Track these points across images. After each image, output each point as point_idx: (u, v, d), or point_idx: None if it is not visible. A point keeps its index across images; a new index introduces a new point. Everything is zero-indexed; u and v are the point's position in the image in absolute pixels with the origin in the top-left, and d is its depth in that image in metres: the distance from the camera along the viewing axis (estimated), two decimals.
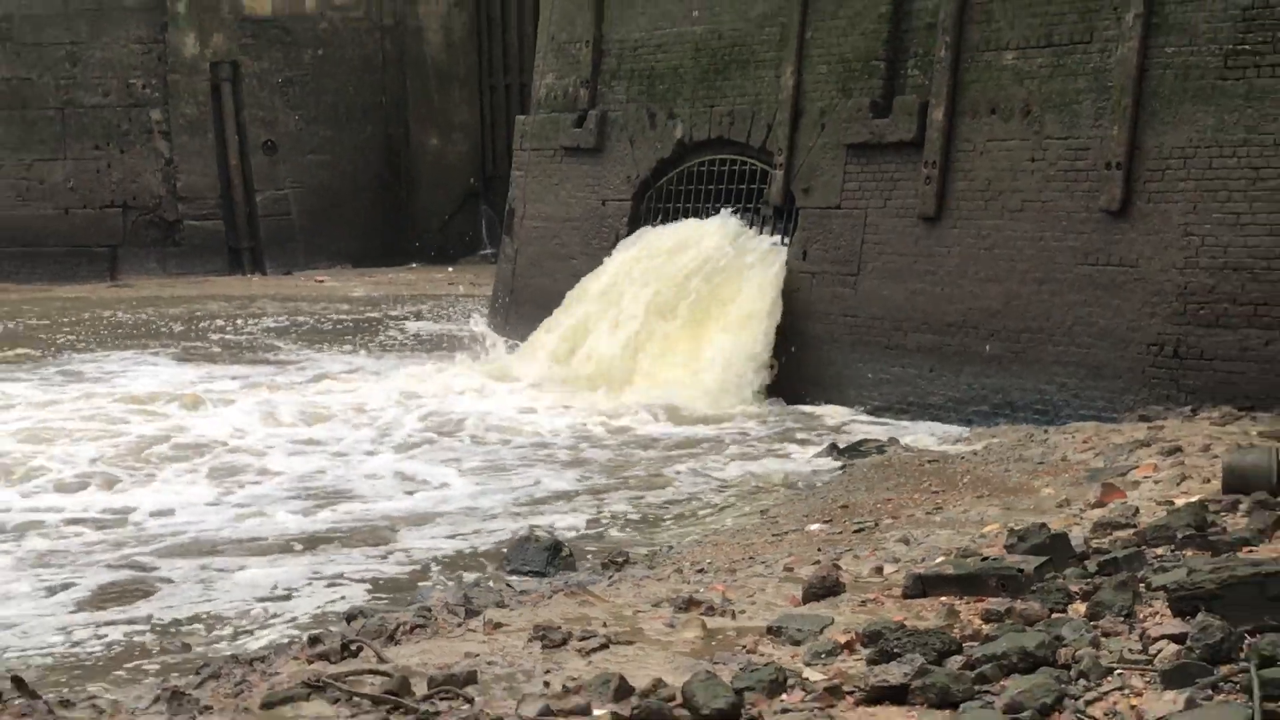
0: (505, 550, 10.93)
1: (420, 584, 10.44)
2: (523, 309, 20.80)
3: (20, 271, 33.31)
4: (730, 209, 18.42)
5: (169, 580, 10.99)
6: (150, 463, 15.19)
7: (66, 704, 7.23)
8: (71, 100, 34.08)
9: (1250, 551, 7.81)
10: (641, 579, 9.49)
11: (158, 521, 12.82)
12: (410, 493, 13.67)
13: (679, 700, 6.34)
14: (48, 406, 18.24)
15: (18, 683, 7.41)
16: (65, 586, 10.85)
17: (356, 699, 6.79)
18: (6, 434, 16.48)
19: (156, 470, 14.84)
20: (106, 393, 19.11)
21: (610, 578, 9.74)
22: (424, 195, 36.46)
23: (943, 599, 7.75)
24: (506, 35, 35.78)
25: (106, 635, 9.66)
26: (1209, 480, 10.05)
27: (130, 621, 9.99)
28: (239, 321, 26.96)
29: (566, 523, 12.13)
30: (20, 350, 23.63)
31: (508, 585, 9.91)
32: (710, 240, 18.13)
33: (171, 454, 15.60)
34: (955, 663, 6.50)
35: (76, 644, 9.49)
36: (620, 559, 10.45)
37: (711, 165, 18.90)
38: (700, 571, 9.50)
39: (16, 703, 7.13)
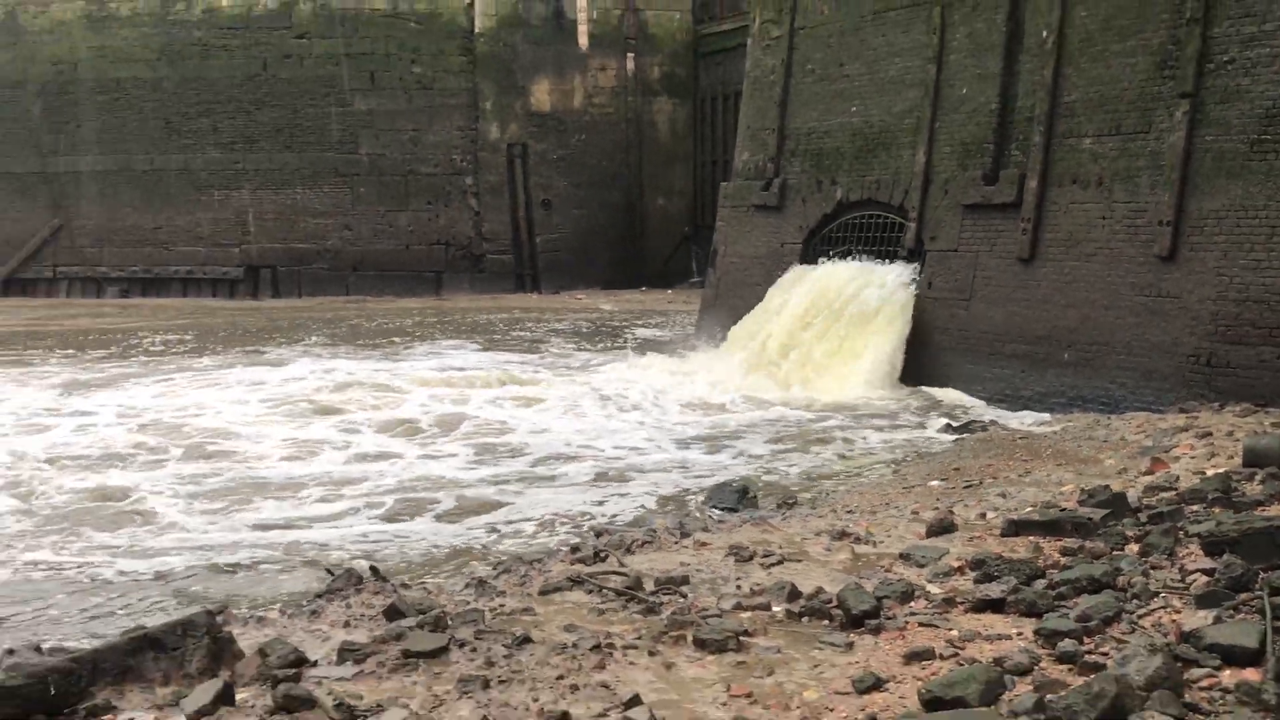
0: (708, 492, 10.92)
1: (649, 513, 10.47)
2: (721, 320, 20.79)
3: (376, 288, 34.23)
4: (875, 250, 18.25)
5: (504, 502, 11.18)
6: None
7: (405, 586, 7.38)
8: (413, 170, 34.88)
9: (1264, 510, 7.65)
10: (806, 516, 9.45)
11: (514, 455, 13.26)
12: (645, 451, 13.68)
13: (835, 603, 6.34)
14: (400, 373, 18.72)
15: (374, 571, 7.59)
16: (431, 504, 11.14)
17: (605, 590, 6.84)
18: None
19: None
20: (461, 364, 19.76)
21: (784, 514, 9.68)
22: (652, 239, 36.66)
23: (1030, 538, 7.65)
24: (714, 126, 35.80)
25: (446, 540, 9.84)
26: (1233, 457, 9.78)
27: (468, 529, 10.20)
28: (528, 324, 27.40)
29: (751, 474, 12.06)
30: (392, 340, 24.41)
31: (710, 517, 9.91)
32: (861, 273, 18.03)
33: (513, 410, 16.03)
34: (1040, 584, 6.45)
35: (432, 545, 9.68)
36: (791, 501, 10.39)
37: (862, 218, 18.74)
38: (849, 512, 9.41)
39: (373, 584, 7.30)
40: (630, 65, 36.12)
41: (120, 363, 21.47)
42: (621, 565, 7.51)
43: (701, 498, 10.87)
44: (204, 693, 5.04)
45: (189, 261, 34.99)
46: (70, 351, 23.09)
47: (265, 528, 10.37)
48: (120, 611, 8.14)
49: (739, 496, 10.45)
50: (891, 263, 17.82)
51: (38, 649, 6.70)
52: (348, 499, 11.34)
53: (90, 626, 7.75)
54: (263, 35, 34.60)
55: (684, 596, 6.69)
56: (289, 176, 34.72)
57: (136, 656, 5.57)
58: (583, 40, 35.64)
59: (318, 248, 34.78)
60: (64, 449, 13.65)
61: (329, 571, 8.03)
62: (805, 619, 6.21)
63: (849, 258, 18.58)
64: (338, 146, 34.67)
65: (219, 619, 6.16)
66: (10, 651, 6.60)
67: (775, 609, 6.39)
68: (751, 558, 7.59)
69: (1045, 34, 15.47)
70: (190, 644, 5.68)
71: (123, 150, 35.07)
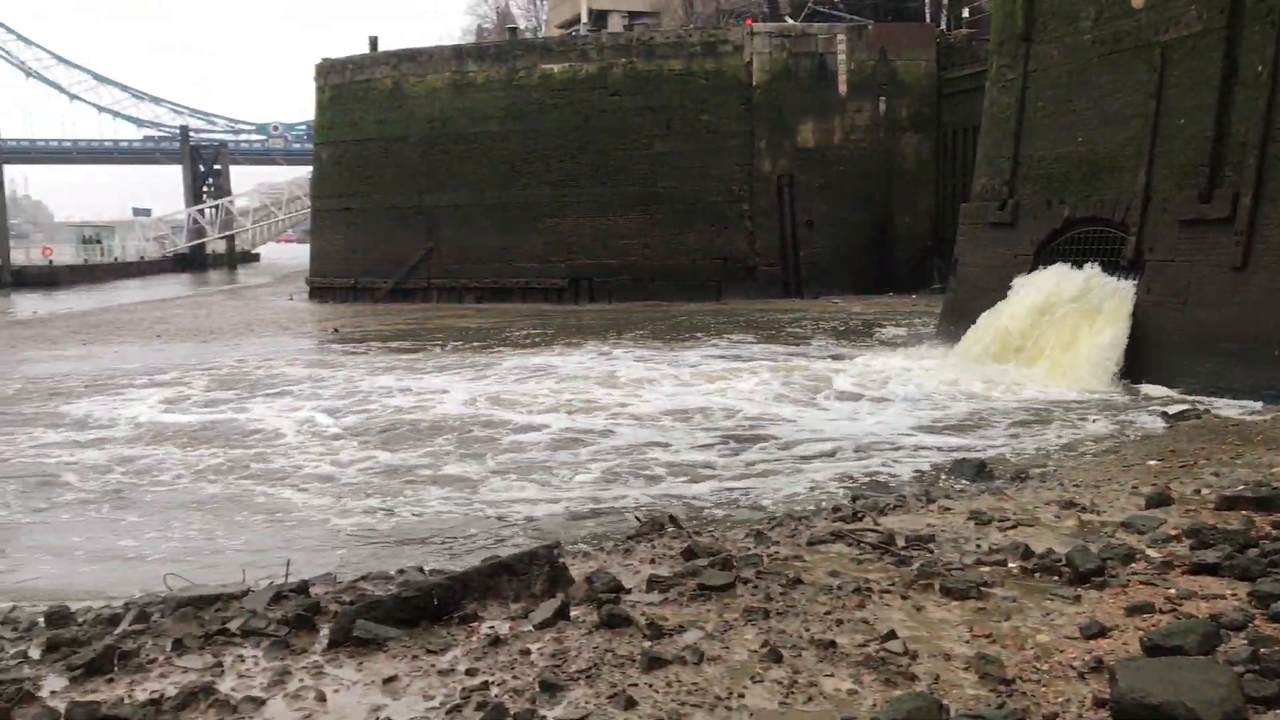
0: (950, 465, 10.61)
1: (899, 482, 10.28)
2: (960, 321, 20.07)
3: (668, 295, 34.74)
4: (1098, 261, 17.23)
5: (789, 471, 11.21)
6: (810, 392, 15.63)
7: (697, 533, 7.49)
8: (699, 199, 35.25)
9: None
10: (1037, 488, 9.01)
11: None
12: (893, 430, 13.39)
13: (1063, 562, 6.04)
14: (699, 363, 18.96)
15: (673, 520, 7.74)
16: (710, 466, 11.27)
17: (862, 544, 6.74)
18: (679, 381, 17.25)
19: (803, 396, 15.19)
20: (741, 354, 19.86)
21: (1017, 486, 9.26)
22: (898, 252, 35.74)
23: (1243, 512, 7.06)
24: (954, 155, 34.60)
25: (726, 498, 9.97)
26: None
27: (744, 490, 10.28)
28: (795, 324, 27.26)
29: (987, 451, 11.64)
30: (695, 335, 24.76)
31: (952, 486, 9.61)
32: (1085, 280, 17.06)
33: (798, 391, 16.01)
34: (1253, 552, 5.95)
35: (715, 502, 9.82)
36: (1023, 475, 9.94)
37: (1086, 233, 17.72)
38: (1075, 485, 8.93)
39: (672, 530, 7.44)
40: (882, 106, 35.37)
41: (512, 348, 22.61)
42: (876, 524, 7.38)
43: (945, 470, 10.57)
44: (547, 609, 5.28)
45: (526, 274, 36.44)
46: (472, 341, 24.49)
47: (588, 480, 10.75)
48: (479, 544, 8.63)
49: (977, 470, 10.11)
50: (1113, 272, 16.80)
51: (421, 570, 7.18)
52: (644, 466, 11.61)
53: (458, 555, 8.24)
54: (584, 94, 35.68)
55: (930, 552, 6.53)
56: (603, 206, 35.66)
57: (495, 578, 5.87)
58: (842, 87, 35.16)
59: (623, 262, 35.60)
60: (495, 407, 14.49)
61: (638, 519, 8.24)
62: (1037, 575, 5.95)
63: (1074, 268, 17.62)
64: (640, 181, 35.38)
65: (555, 552, 6.42)
66: (401, 571, 7.10)
67: (1010, 565, 6.16)
68: (989, 522, 7.33)
69: (1260, 69, 14.26)
70: (535, 571, 5.95)
71: (478, 188, 36.86)
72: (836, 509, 8.27)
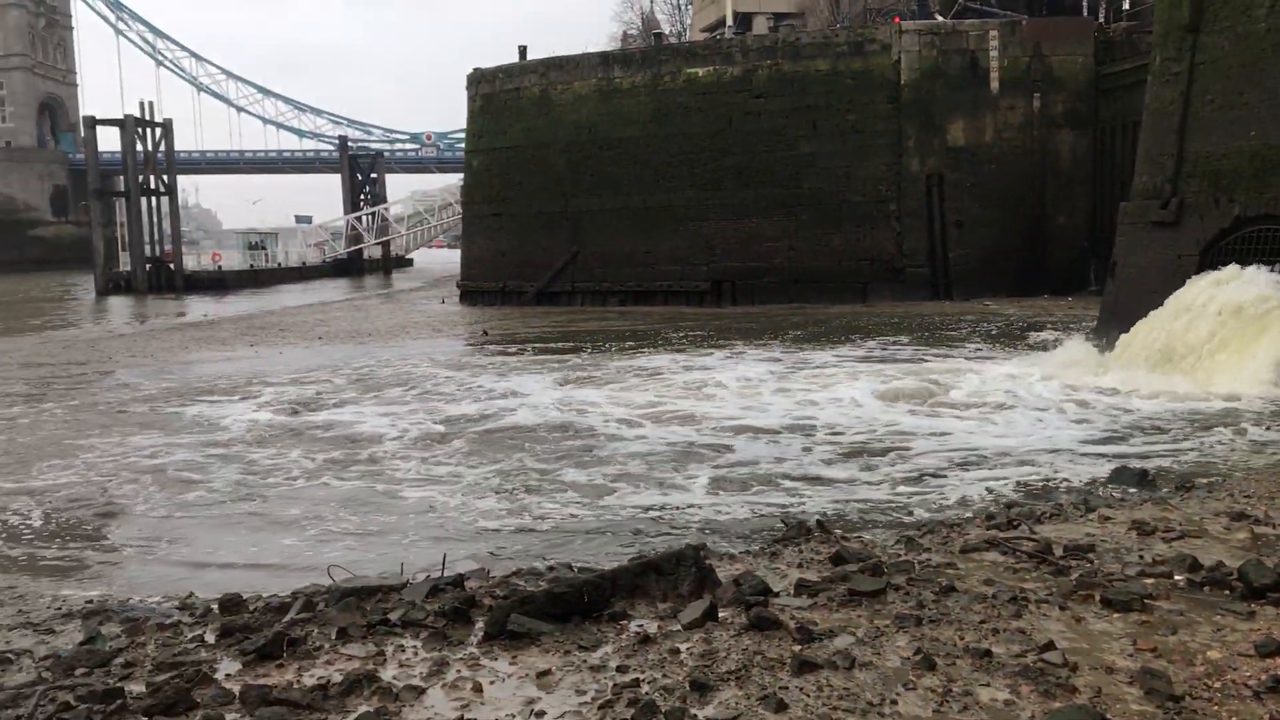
0: (1110, 473, 10.21)
1: (1055, 489, 9.96)
2: (1119, 324, 19.26)
3: (812, 297, 34.38)
4: (1271, 261, 16.32)
5: (937, 478, 11.03)
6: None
7: (845, 538, 7.41)
8: (845, 199, 34.81)
9: None
10: (1204, 498, 8.60)
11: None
12: (1050, 435, 12.98)
13: (1235, 575, 5.75)
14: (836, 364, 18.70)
15: (820, 525, 7.67)
16: (860, 469, 11.13)
17: (1018, 553, 6.57)
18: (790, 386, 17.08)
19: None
20: (897, 356, 19.49)
21: (1181, 495, 8.85)
22: (1052, 252, 34.49)
23: None
24: (1113, 152, 33.25)
25: (871, 502, 9.84)
26: None
27: (892, 494, 10.14)
28: (946, 327, 26.67)
29: (1149, 458, 11.15)
30: (850, 337, 24.51)
31: (1112, 494, 9.26)
32: (1257, 281, 16.16)
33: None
34: None
35: (860, 507, 9.70)
36: (1188, 484, 9.48)
37: (1259, 232, 16.80)
38: (1246, 496, 8.48)
39: (819, 534, 7.39)
40: (1036, 103, 34.28)
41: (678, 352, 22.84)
42: (1032, 533, 7.17)
43: (1104, 478, 10.18)
44: (695, 609, 5.31)
45: (668, 278, 36.60)
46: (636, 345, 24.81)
47: (722, 485, 10.75)
48: (623, 542, 8.72)
49: (1139, 478, 9.71)
50: None
51: (570, 567, 7.31)
52: (785, 471, 11.53)
53: (599, 554, 8.34)
54: (729, 97, 35.66)
55: (1090, 562, 6.31)
56: (746, 209, 35.55)
57: (642, 578, 5.93)
58: (994, 84, 34.22)
59: (767, 265, 35.41)
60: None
61: (784, 523, 8.20)
62: (1206, 588, 5.69)
63: (1244, 268, 16.73)
64: (785, 183, 35.15)
65: (701, 554, 6.45)
66: (551, 568, 7.24)
67: (1176, 578, 5.90)
68: (1153, 532, 7.03)
69: None
70: (682, 572, 5.98)
71: (622, 192, 37.22)
72: (989, 516, 8.07)
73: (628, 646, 4.99)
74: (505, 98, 40.17)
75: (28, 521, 10.31)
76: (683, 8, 67.44)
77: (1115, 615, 5.26)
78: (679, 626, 5.24)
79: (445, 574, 6.76)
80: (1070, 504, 8.46)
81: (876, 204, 34.66)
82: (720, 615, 5.35)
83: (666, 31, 55.46)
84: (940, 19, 36.90)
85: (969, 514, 8.90)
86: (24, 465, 12.83)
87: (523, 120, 39.52)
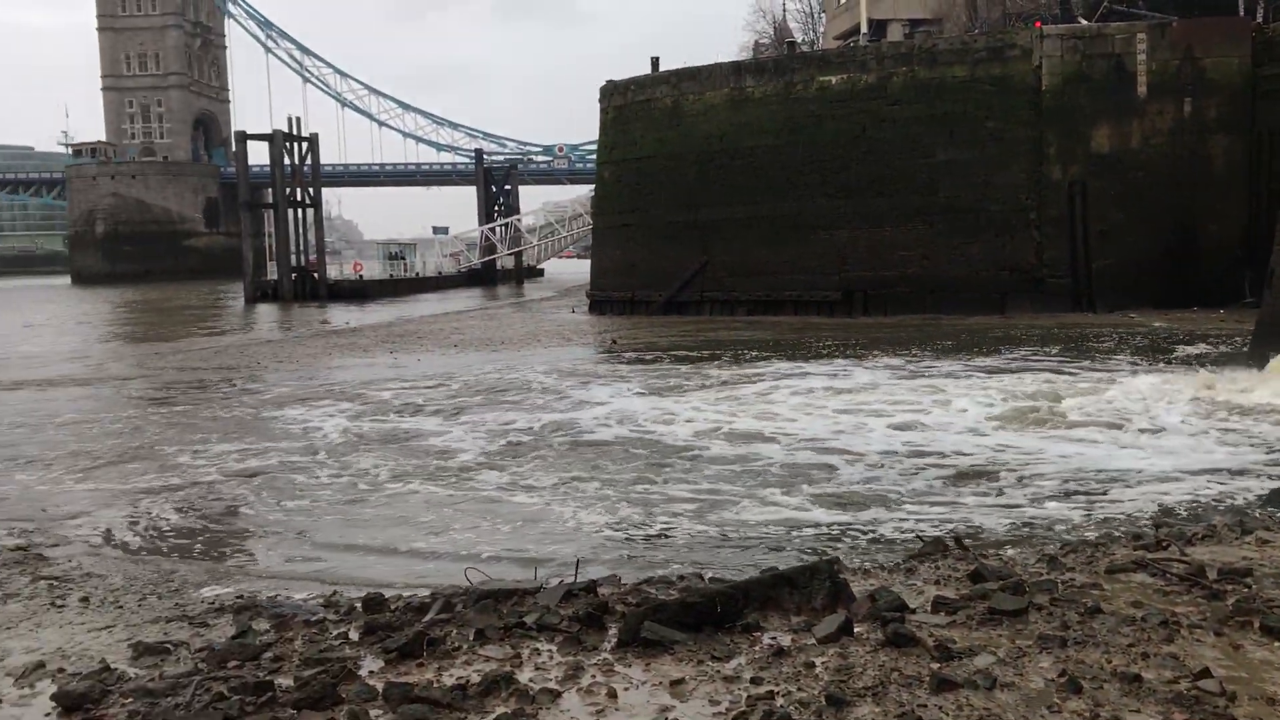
0: (1268, 494, 9.73)
1: (1206, 510, 9.52)
2: (1277, 339, 18.30)
3: (947, 308, 33.63)
4: None
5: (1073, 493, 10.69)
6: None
7: (983, 555, 7.22)
8: (983, 208, 34.01)
9: None
10: None
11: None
12: (1203, 454, 12.39)
13: None
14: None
15: (958, 541, 7.50)
16: (990, 486, 10.85)
17: (1168, 575, 6.30)
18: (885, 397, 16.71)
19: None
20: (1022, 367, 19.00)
21: None
22: (1203, 263, 32.96)
23: None
24: (1272, 157, 31.71)
25: (1007, 521, 9.58)
26: None
27: (1029, 514, 9.85)
28: (1088, 340, 25.79)
29: None
30: (998, 349, 23.94)
31: (1271, 516, 8.81)
32: None
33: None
34: None
35: (996, 524, 9.45)
36: None
37: None
38: None
39: (957, 551, 7.22)
40: (1187, 107, 32.90)
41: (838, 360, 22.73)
42: (1183, 554, 6.86)
43: (1259, 499, 9.70)
44: (830, 623, 5.24)
45: (798, 287, 36.32)
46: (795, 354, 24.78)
47: (841, 501, 10.59)
48: (756, 554, 8.68)
49: None
50: None
51: (700, 576, 7.30)
52: (917, 486, 11.30)
53: (726, 566, 8.32)
54: (863, 104, 35.26)
55: (1248, 587, 6.00)
56: (879, 217, 35.05)
57: (775, 590, 5.89)
58: (1141, 89, 32.98)
59: (900, 274, 34.82)
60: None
61: (919, 539, 8.05)
62: None
63: None
64: (920, 191, 34.53)
65: (835, 568, 6.37)
66: (682, 577, 7.25)
67: None
68: None
69: None
70: (815, 585, 5.92)
71: (751, 202, 37.11)
72: (1137, 536, 7.76)
73: (762, 658, 4.96)
74: (637, 109, 40.52)
75: (177, 517, 10.83)
76: (815, 16, 66.97)
77: (1277, 644, 5.00)
78: (813, 640, 5.18)
79: (578, 580, 6.84)
80: (1224, 526, 8.08)
81: (1016, 212, 33.76)
82: (855, 630, 5.27)
83: (799, 40, 55.10)
84: (1084, 22, 35.76)
85: (1114, 534, 8.57)
86: (172, 462, 13.48)
87: (654, 131, 39.79)
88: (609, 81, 42.29)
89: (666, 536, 9.53)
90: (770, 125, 36.72)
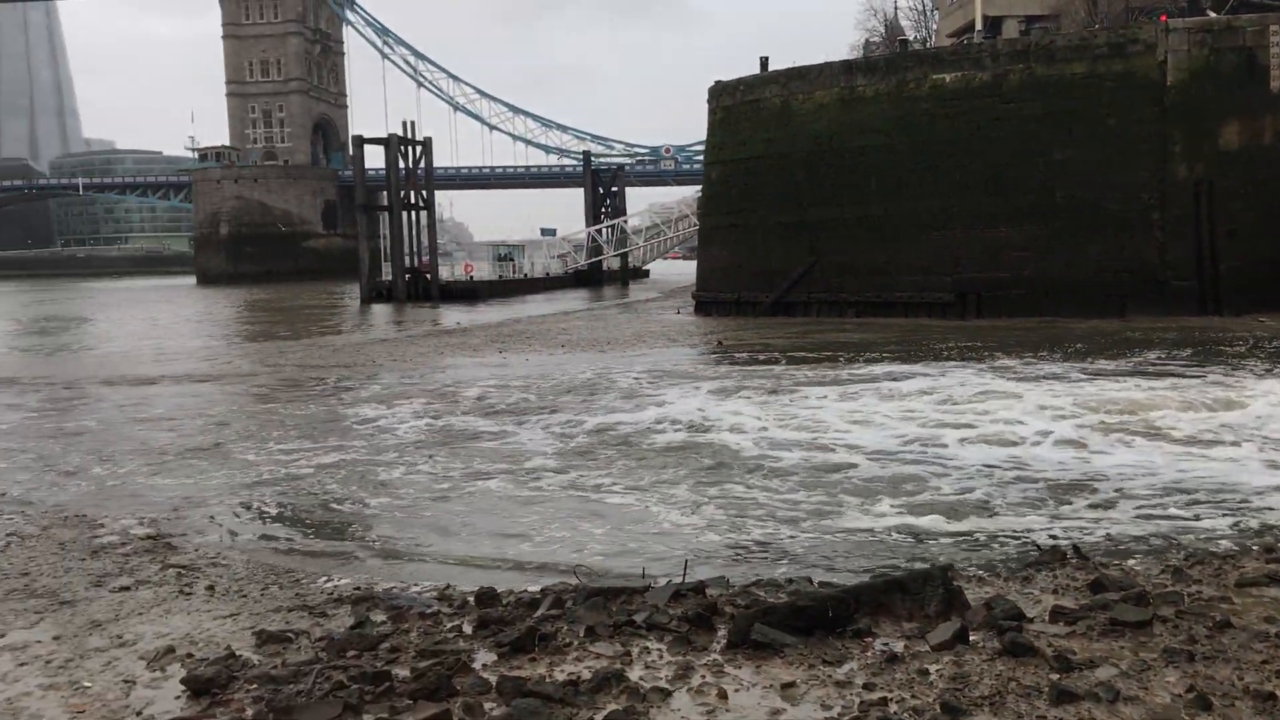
0: None
1: None
2: None
3: (1063, 310, 32.64)
4: None
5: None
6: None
7: (1103, 565, 7.01)
8: (1102, 207, 32.99)
9: None
10: None
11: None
12: None
13: None
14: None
15: (1077, 550, 7.31)
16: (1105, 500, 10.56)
17: None
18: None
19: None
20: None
21: None
22: None
23: None
24: None
25: (1128, 531, 9.30)
26: None
27: (1151, 523, 9.54)
28: (1215, 346, 24.79)
29: None
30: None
31: None
32: None
33: None
34: None
35: (1116, 535, 9.19)
36: None
37: None
38: None
39: (1076, 560, 7.03)
40: None
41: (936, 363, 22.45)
42: None
43: None
44: (944, 630, 5.16)
45: (909, 289, 35.71)
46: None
47: (951, 508, 10.38)
48: (869, 558, 8.57)
49: None
50: None
51: (810, 580, 7.25)
52: (1031, 494, 11.01)
53: (834, 570, 8.22)
54: (977, 103, 34.53)
55: None
56: (993, 217, 34.26)
57: (887, 595, 5.82)
58: (1274, 83, 31.60)
59: (1015, 276, 33.98)
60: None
61: (1037, 547, 7.86)
62: None
63: None
64: (1036, 190, 33.66)
65: (949, 574, 6.26)
66: (791, 581, 7.21)
67: None
68: None
69: None
70: (928, 591, 5.83)
71: (862, 201, 36.64)
72: (1269, 549, 7.46)
73: (874, 664, 4.91)
74: (745, 109, 40.38)
75: (295, 508, 11.16)
76: (928, 13, 65.82)
77: None
78: (927, 647, 5.10)
79: (686, 580, 6.85)
80: None
81: (1137, 212, 32.66)
82: (971, 638, 5.18)
83: (911, 38, 54.24)
84: (1212, 15, 34.42)
85: (1247, 546, 8.24)
86: (291, 454, 13.90)
87: (762, 131, 39.60)
88: (717, 82, 42.24)
89: (770, 540, 9.47)
90: (882, 124, 36.21)
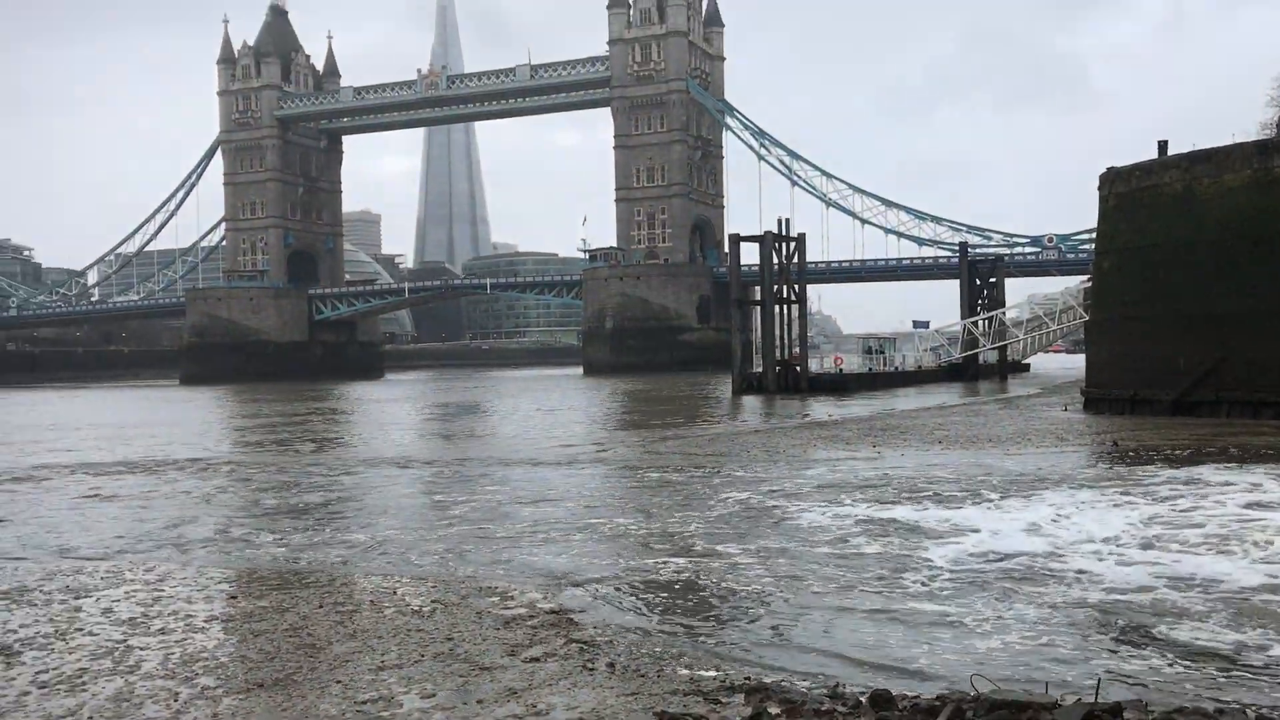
0: None
1: None
2: None
3: None
4: None
5: None
6: None
7: None
8: None
9: None
10: None
11: None
12: None
13: None
14: None
15: None
16: None
17: None
18: None
19: None
20: None
21: None
22: None
23: None
24: None
25: None
26: None
27: None
28: None
29: None
30: None
31: None
32: None
33: None
34: None
35: None
36: None
37: None
38: None
39: None
40: None
41: None
42: None
43: None
44: None
45: None
46: None
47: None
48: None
49: None
50: None
51: (1243, 710, 6.47)
52: None
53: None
54: None
55: None
56: None
57: None
58: None
59: None
60: None
61: None
62: None
63: None
64: None
65: None
66: (1221, 711, 6.47)
67: None
68: None
69: None
70: None
71: (1277, 291, 33.04)
72: None
73: None
74: (1141, 195, 37.88)
75: (679, 588, 11.44)
76: None
77: None
78: None
79: (1099, 701, 6.35)
80: None
81: None
82: None
83: None
84: None
85: None
86: (671, 537, 14.32)
87: (1161, 218, 36.91)
88: (1109, 168, 39.99)
89: (1178, 664, 8.55)
90: None
